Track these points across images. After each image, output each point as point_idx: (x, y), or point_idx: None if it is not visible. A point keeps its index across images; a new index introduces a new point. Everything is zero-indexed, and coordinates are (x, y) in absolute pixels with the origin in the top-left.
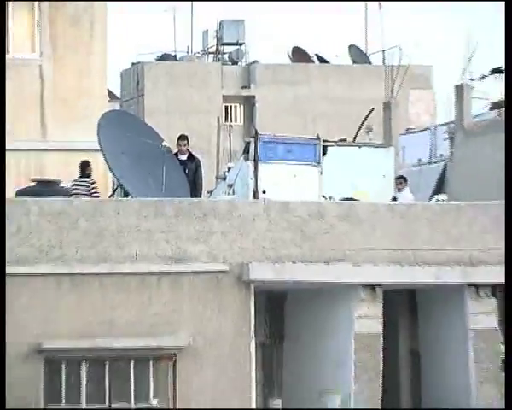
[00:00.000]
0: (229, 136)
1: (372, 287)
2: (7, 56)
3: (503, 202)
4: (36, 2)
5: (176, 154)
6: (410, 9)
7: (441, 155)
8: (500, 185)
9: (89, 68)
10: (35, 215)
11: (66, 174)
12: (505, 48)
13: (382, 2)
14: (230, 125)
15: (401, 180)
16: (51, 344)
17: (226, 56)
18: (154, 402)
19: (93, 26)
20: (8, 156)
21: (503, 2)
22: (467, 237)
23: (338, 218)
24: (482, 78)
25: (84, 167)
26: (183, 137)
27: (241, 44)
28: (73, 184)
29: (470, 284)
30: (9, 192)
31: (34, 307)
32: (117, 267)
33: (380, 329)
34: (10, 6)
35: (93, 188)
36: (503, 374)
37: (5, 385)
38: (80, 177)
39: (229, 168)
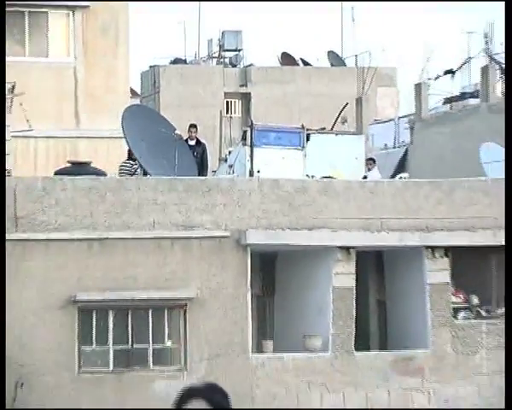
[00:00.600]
0: (230, 126)
1: (347, 249)
2: (46, 60)
3: (454, 179)
4: (70, 14)
5: (186, 140)
6: (381, 15)
7: (403, 141)
8: (450, 165)
9: (114, 70)
10: (70, 191)
11: (96, 157)
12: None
13: (356, 11)
14: (230, 117)
15: (370, 161)
16: (84, 296)
17: (227, 60)
18: (169, 343)
19: (118, 35)
20: (49, 142)
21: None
22: (424, 208)
23: (318, 192)
24: (437, 77)
25: (130, 153)
26: (193, 126)
27: (239, 50)
28: (120, 166)
29: (427, 247)
30: (49, 171)
31: (70, 266)
32: (138, 233)
33: (353, 283)
34: (49, 17)
35: (135, 169)
36: (454, 320)
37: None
38: (127, 160)
39: (229, 152)
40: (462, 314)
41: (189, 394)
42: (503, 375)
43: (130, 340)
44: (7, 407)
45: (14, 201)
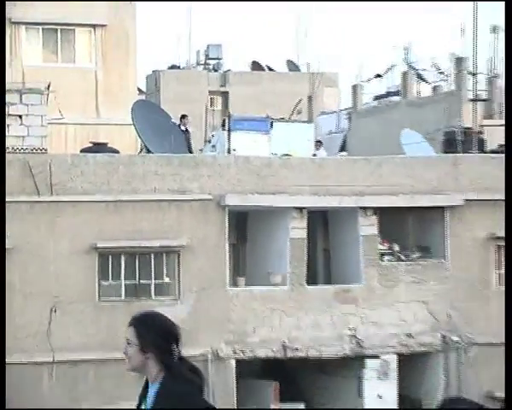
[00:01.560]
0: (213, 116)
1: (300, 209)
2: (74, 65)
3: (381, 156)
4: (92, 31)
5: (178, 125)
6: (332, 25)
7: (343, 128)
8: (378, 146)
9: (125, 73)
10: (92, 164)
11: (112, 139)
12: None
13: (311, 23)
14: (213, 110)
15: (318, 143)
16: (102, 244)
17: (210, 67)
18: (166, 279)
19: (128, 47)
20: (76, 128)
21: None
22: (358, 178)
23: (279, 166)
24: (369, 80)
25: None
26: (184, 116)
27: (220, 59)
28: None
29: (360, 207)
30: (76, 150)
31: (92, 221)
32: (143, 197)
33: (305, 235)
34: (76, 33)
35: None
36: (380, 262)
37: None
38: None
39: (212, 136)
40: (386, 258)
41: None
42: (417, 303)
43: (137, 277)
44: (43, 329)
45: (50, 172)
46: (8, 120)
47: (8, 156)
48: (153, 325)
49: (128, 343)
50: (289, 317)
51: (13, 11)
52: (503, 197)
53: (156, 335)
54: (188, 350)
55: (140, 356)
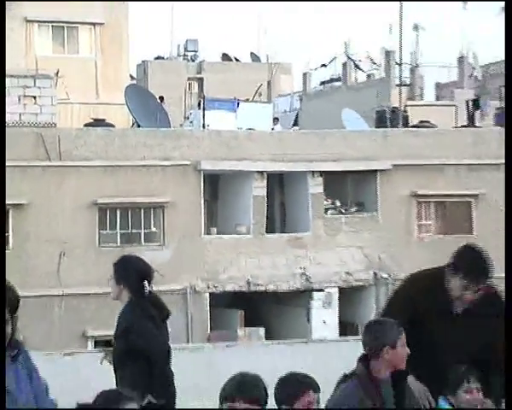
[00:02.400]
0: (190, 98)
1: (261, 173)
2: (78, 55)
3: (326, 130)
4: (92, 27)
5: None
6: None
7: (296, 108)
8: (324, 122)
9: (120, 63)
10: (93, 136)
11: (109, 116)
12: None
13: (270, 21)
14: (191, 93)
15: (276, 120)
16: (101, 200)
17: (189, 57)
18: (154, 229)
19: (122, 41)
20: (80, 106)
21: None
22: (308, 147)
23: (244, 138)
24: (316, 68)
25: None
26: (162, 98)
27: (196, 51)
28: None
29: (309, 171)
30: (80, 124)
31: (93, 182)
32: (135, 163)
33: (265, 193)
34: (79, 29)
35: None
36: (325, 215)
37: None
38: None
39: (190, 113)
40: (329, 212)
41: None
42: (354, 247)
43: (129, 227)
44: (54, 269)
45: (58, 142)
46: (24, 100)
47: (25, 130)
48: (127, 264)
49: (110, 278)
50: (252, 259)
51: (28, 11)
52: (423, 162)
53: (128, 272)
54: (171, 286)
55: (116, 288)
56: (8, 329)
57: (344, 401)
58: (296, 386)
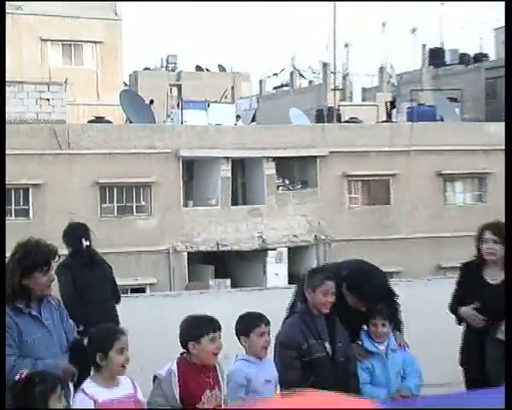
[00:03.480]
0: (171, 99)
1: (227, 158)
2: (82, 67)
3: (278, 125)
4: (94, 45)
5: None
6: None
7: (254, 107)
8: (276, 119)
9: (116, 72)
10: (95, 131)
11: (108, 114)
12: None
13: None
14: (172, 96)
15: (238, 117)
16: (102, 180)
17: (170, 68)
18: (143, 203)
19: (117, 55)
20: (84, 107)
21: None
22: (264, 138)
23: (214, 131)
24: (269, 77)
25: None
26: (152, 101)
27: (175, 63)
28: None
29: (264, 157)
30: (85, 121)
31: (95, 166)
32: (128, 151)
33: (229, 175)
34: (83, 46)
35: None
36: (277, 191)
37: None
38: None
39: (171, 112)
40: (280, 188)
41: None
42: (299, 216)
43: (124, 201)
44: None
45: (68, 135)
46: (40, 102)
47: (41, 125)
48: (66, 229)
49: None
50: (220, 225)
51: (43, 32)
52: (352, 150)
53: (66, 233)
54: (157, 247)
55: (67, 248)
56: (50, 277)
57: (288, 330)
58: (251, 320)
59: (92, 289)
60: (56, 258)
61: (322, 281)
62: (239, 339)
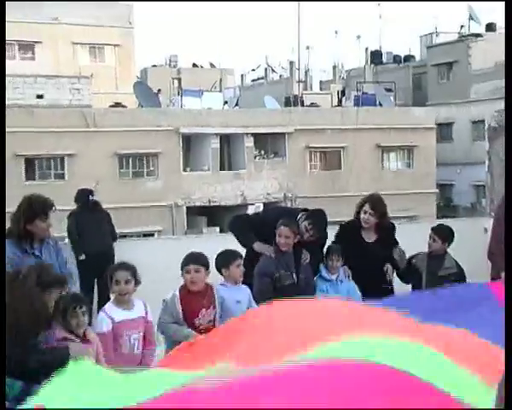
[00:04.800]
0: (173, 89)
1: (216, 134)
2: (107, 64)
3: (256, 108)
4: (113, 48)
5: (156, 94)
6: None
7: (237, 95)
8: (254, 104)
9: (130, 68)
10: (114, 113)
11: (125, 101)
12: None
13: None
14: (173, 87)
15: (225, 103)
16: (119, 151)
17: (172, 65)
18: (152, 168)
19: (131, 55)
20: (107, 96)
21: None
22: (244, 118)
23: (206, 113)
24: (249, 72)
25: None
26: (159, 90)
27: (176, 61)
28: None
29: (245, 133)
30: (107, 106)
31: (114, 140)
32: (140, 128)
33: (218, 146)
34: (105, 49)
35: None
36: (254, 159)
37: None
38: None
39: (173, 98)
40: (257, 157)
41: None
42: (273, 179)
43: (137, 167)
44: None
45: (94, 117)
46: (72, 92)
47: (73, 109)
48: (77, 192)
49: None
50: (211, 186)
51: (74, 36)
52: (312, 128)
53: (77, 194)
54: (162, 203)
55: (76, 204)
56: (48, 224)
57: (263, 263)
58: (229, 255)
59: (91, 229)
60: (53, 209)
61: (279, 226)
62: (219, 270)
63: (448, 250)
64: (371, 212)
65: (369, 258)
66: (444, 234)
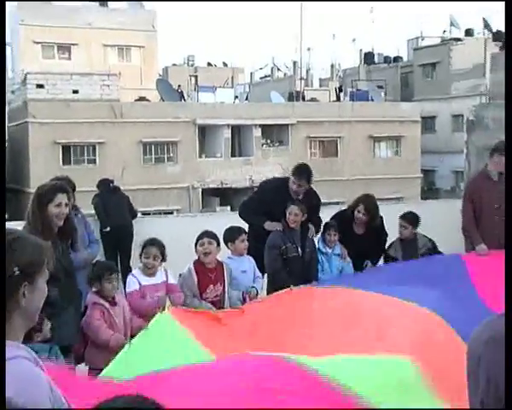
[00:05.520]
0: (191, 86)
1: (228, 125)
2: (131, 63)
3: (263, 102)
4: (139, 49)
5: (177, 90)
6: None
7: (247, 91)
8: (261, 99)
9: (153, 67)
10: (140, 106)
11: (150, 96)
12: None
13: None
14: (191, 83)
15: (236, 97)
16: (144, 140)
17: (189, 64)
18: (171, 154)
19: (154, 54)
20: (133, 91)
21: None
22: (253, 111)
23: (219, 106)
24: (257, 70)
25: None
26: (180, 86)
27: (193, 61)
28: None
29: (254, 124)
30: (132, 100)
31: (140, 129)
32: (162, 119)
33: (230, 136)
34: (132, 50)
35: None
36: (262, 147)
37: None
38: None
39: (190, 94)
40: (264, 145)
41: None
42: (277, 164)
43: (159, 153)
44: (119, 175)
45: (121, 109)
46: (103, 87)
47: (104, 102)
48: (98, 181)
49: None
50: (223, 170)
51: (105, 39)
52: (313, 120)
53: (99, 182)
54: (181, 185)
55: (98, 190)
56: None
57: (272, 237)
58: (235, 231)
59: (113, 207)
60: (63, 192)
61: (289, 206)
62: (226, 244)
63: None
64: (364, 213)
65: (356, 248)
66: (412, 220)
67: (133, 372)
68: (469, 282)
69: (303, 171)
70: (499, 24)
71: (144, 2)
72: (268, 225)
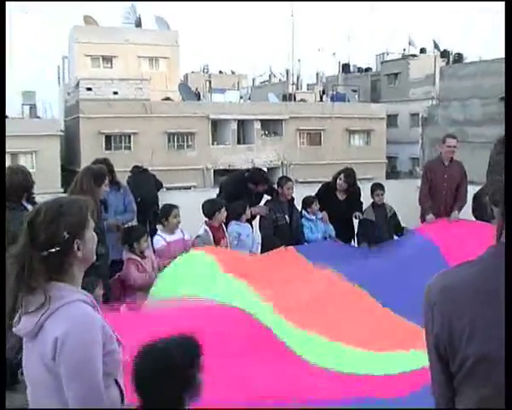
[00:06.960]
0: (206, 88)
1: (235, 120)
2: (158, 71)
3: (263, 102)
4: (164, 59)
5: (194, 93)
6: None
7: (249, 93)
8: (262, 98)
9: (176, 73)
10: (164, 105)
11: (171, 96)
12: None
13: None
14: (206, 87)
15: (241, 98)
16: (168, 130)
17: (205, 71)
18: (190, 143)
19: (177, 63)
20: (160, 92)
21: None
22: (255, 108)
23: (229, 105)
24: (258, 76)
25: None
26: (196, 89)
27: (208, 69)
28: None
29: (255, 119)
30: (160, 99)
31: (164, 124)
32: (184, 114)
33: (236, 128)
34: (159, 60)
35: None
36: (260, 136)
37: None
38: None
39: (205, 95)
40: (263, 136)
41: None
42: (273, 151)
43: (180, 141)
44: (149, 159)
45: (150, 106)
46: (136, 89)
47: (137, 102)
48: (132, 168)
49: None
50: (231, 155)
51: (139, 51)
52: (303, 116)
53: (132, 168)
54: (197, 166)
55: (132, 173)
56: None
57: (265, 213)
58: (214, 205)
59: (143, 182)
60: (106, 175)
61: (286, 183)
62: (208, 216)
63: (391, 201)
64: (344, 180)
65: (340, 210)
66: (383, 188)
67: (173, 290)
68: (438, 250)
69: (258, 174)
70: (446, 44)
71: (169, 23)
72: (253, 210)
